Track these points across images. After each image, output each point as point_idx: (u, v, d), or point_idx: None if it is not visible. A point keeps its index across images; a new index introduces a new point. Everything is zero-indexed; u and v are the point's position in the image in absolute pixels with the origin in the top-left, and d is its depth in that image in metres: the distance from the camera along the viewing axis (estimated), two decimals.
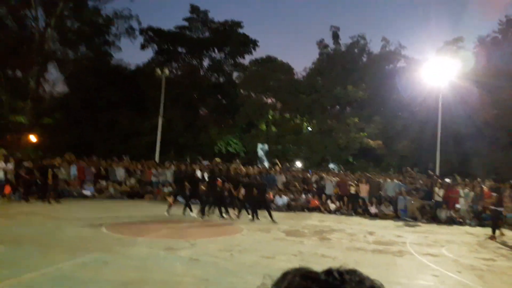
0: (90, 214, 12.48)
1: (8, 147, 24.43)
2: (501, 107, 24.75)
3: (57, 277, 5.95)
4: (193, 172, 14.36)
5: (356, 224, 14.02)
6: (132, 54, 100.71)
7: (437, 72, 22.27)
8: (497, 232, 12.15)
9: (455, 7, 69.45)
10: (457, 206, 15.08)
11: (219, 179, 13.35)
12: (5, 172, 15.34)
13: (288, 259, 7.84)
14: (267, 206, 13.54)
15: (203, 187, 13.86)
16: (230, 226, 11.95)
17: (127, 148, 26.74)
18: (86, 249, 7.72)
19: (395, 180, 17.28)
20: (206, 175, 13.88)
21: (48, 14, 30.63)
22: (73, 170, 17.06)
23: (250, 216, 13.26)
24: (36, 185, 15.59)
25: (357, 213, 16.68)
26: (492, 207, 12.44)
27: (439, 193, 14.62)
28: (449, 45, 28.28)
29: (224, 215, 13.24)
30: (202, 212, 13.07)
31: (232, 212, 13.84)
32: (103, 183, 18.19)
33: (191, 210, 13.43)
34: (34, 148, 26.89)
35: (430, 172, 18.82)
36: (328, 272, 0.72)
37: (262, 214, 13.25)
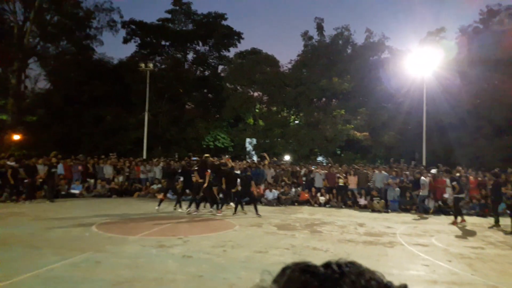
0: (79, 213, 12.32)
1: None
2: (483, 96, 25.19)
3: (49, 278, 5.87)
4: (189, 167, 14.27)
5: (346, 216, 14.16)
6: (114, 48, 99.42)
7: (421, 63, 22.52)
8: (459, 218, 12.78)
9: None
10: (445, 196, 15.33)
11: (208, 170, 13.30)
12: None
13: (281, 253, 7.89)
14: (253, 199, 13.62)
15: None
16: (222, 222, 11.94)
17: (113, 144, 26.47)
18: (77, 249, 7.63)
19: (383, 172, 17.47)
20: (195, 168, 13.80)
21: (26, 8, 29.91)
22: (60, 168, 16.79)
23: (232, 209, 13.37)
24: (22, 185, 15.35)
25: (346, 205, 16.84)
26: (455, 195, 13.03)
27: (425, 183, 14.83)
28: (432, 35, 28.58)
29: (216, 209, 13.23)
30: (190, 207, 13.04)
31: (226, 207, 13.85)
32: (91, 181, 17.97)
33: (180, 207, 13.40)
34: (18, 146, 26.36)
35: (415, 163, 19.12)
36: (327, 265, 0.73)
37: (249, 208, 13.38)
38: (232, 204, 13.97)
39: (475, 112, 24.84)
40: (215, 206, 13.25)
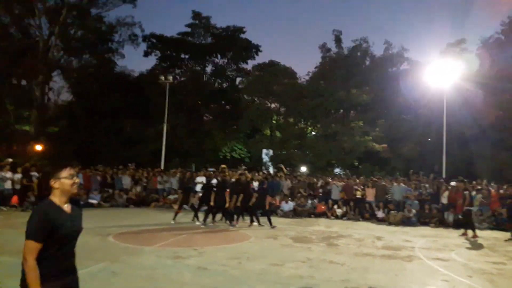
0: (96, 223, 12.45)
1: (14, 156, 24.55)
2: (505, 108, 24.67)
3: None
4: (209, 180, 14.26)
5: (364, 229, 13.94)
6: (135, 61, 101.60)
7: (441, 74, 22.23)
8: (470, 232, 12.53)
9: (457, 9, 69.48)
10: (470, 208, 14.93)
11: (227, 190, 13.31)
12: (12, 182, 15.39)
13: (297, 266, 7.80)
14: (266, 212, 13.59)
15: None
16: (238, 233, 11.91)
17: (132, 155, 26.84)
18: (93, 259, 7.69)
19: (402, 184, 17.17)
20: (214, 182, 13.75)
21: (51, 22, 30.90)
22: (79, 178, 17.08)
23: (255, 223, 13.28)
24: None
25: (364, 218, 16.58)
26: (465, 208, 12.79)
27: (445, 196, 14.50)
28: (452, 47, 28.27)
29: (232, 222, 13.20)
30: (205, 219, 13.03)
31: (242, 221, 13.79)
32: (110, 191, 18.21)
33: (198, 219, 13.40)
34: (40, 157, 26.98)
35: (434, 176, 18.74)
36: None
37: (263, 220, 13.33)
38: (246, 218, 13.88)
39: (498, 124, 24.32)
40: (230, 219, 13.23)
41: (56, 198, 2.70)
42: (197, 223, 13.32)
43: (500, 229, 14.27)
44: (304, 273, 7.23)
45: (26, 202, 15.28)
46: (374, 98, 27.51)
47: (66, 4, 30.50)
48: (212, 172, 15.95)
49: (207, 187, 13.69)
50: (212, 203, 13.14)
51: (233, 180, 14.02)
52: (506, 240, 12.05)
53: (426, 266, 8.27)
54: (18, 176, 15.64)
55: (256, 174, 19.16)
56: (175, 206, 14.53)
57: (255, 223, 13.29)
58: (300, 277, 6.92)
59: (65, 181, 2.69)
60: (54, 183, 2.68)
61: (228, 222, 13.17)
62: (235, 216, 13.39)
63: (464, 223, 12.93)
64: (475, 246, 11.08)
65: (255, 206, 13.50)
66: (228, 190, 13.24)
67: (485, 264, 8.58)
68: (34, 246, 2.53)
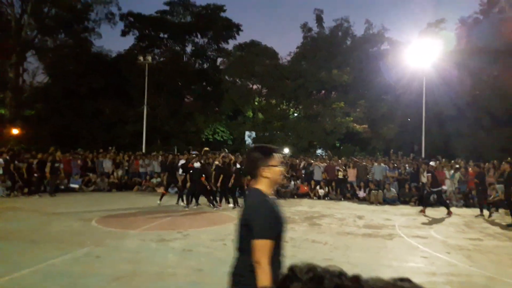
0: (79, 208, 12.34)
1: None
2: (482, 88, 25.14)
3: (49, 273, 5.90)
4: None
5: (345, 208, 14.20)
6: (113, 40, 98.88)
7: (421, 54, 22.42)
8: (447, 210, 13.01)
9: None
10: (444, 188, 15.35)
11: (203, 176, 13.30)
12: None
13: None
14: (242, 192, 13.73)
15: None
16: (221, 215, 11.97)
17: (112, 138, 26.42)
18: (77, 243, 7.66)
19: (382, 164, 17.47)
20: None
21: (24, 0, 29.66)
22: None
23: (231, 204, 13.33)
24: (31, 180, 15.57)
25: (345, 198, 16.87)
26: (427, 188, 13.39)
27: (424, 175, 14.82)
28: (431, 27, 28.45)
29: (214, 204, 13.24)
30: (187, 202, 13.02)
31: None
32: (91, 175, 17.97)
33: (183, 201, 13.37)
34: (17, 140, 26.31)
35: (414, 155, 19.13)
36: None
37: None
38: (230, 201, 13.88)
39: (474, 103, 24.81)
40: (212, 202, 13.24)
41: (265, 188, 2.35)
42: (181, 204, 13.33)
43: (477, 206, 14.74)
44: (288, 252, 7.24)
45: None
46: (354, 79, 27.60)
47: None
48: (194, 155, 15.85)
49: (185, 169, 13.62)
50: (189, 186, 13.14)
51: (216, 163, 13.98)
52: (476, 216, 12.57)
53: (406, 244, 8.51)
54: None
55: (239, 156, 19.16)
56: (159, 190, 14.48)
57: (231, 205, 13.36)
58: (284, 257, 7.02)
59: (276, 169, 2.37)
60: (264, 171, 2.33)
61: (211, 205, 13.19)
62: (218, 199, 13.45)
63: (424, 202, 13.65)
64: (453, 223, 11.44)
65: (234, 186, 13.54)
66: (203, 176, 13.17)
67: (463, 241, 8.88)
68: (269, 246, 2.19)
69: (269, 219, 2.23)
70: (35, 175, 15.59)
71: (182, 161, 14.35)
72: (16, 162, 15.73)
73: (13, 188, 15.05)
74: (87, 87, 28.66)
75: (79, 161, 17.97)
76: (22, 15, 29.77)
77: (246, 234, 2.22)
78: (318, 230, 9.75)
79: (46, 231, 8.85)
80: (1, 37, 27.90)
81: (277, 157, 2.38)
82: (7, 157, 15.56)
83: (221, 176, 13.24)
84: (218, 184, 13.29)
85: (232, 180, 13.39)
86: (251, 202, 2.35)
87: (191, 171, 13.14)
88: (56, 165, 15.63)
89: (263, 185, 2.34)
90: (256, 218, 2.21)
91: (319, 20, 30.52)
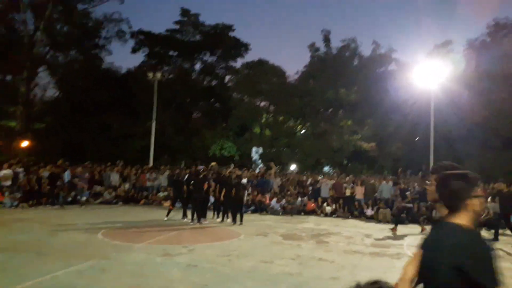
0: (85, 220, 12.32)
1: None
2: (491, 109, 25.06)
3: (53, 286, 5.86)
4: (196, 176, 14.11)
5: (353, 226, 14.03)
6: (123, 57, 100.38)
7: (428, 75, 22.45)
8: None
9: (444, 10, 70.32)
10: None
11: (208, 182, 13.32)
12: None
13: (286, 263, 7.81)
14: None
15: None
16: (227, 230, 11.88)
17: (120, 152, 26.56)
18: (82, 256, 7.61)
19: (391, 182, 17.32)
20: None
21: (37, 18, 30.32)
22: (67, 175, 16.88)
23: (229, 219, 13.25)
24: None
25: (353, 216, 16.69)
26: (403, 204, 13.66)
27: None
28: (439, 48, 28.61)
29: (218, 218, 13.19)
30: (192, 217, 12.93)
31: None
32: (98, 188, 18.02)
33: (186, 216, 13.31)
34: (26, 153, 26.54)
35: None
36: None
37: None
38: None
39: (483, 124, 24.70)
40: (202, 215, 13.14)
41: (468, 222, 2.03)
42: (185, 220, 13.24)
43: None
44: (294, 270, 7.25)
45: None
46: (362, 98, 27.70)
47: None
48: (201, 169, 15.83)
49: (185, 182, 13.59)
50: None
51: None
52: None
53: None
54: (5, 172, 15.40)
55: (246, 171, 19.14)
56: (165, 204, 14.42)
57: (229, 220, 13.26)
58: (290, 274, 6.93)
59: (481, 201, 2.09)
60: (470, 204, 2.04)
61: (186, 217, 13.10)
62: (220, 213, 13.46)
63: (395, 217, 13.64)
64: None
65: (234, 200, 13.41)
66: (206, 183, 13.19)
67: None
68: None
69: (490, 265, 1.93)
70: (48, 187, 15.81)
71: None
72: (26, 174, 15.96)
73: (27, 199, 15.22)
74: (96, 102, 29.01)
75: (86, 174, 18.06)
76: (35, 32, 30.41)
77: (454, 279, 1.89)
78: (325, 248, 9.62)
79: (52, 243, 8.83)
80: (14, 53, 28.45)
81: (479, 188, 2.13)
82: (19, 169, 15.78)
83: (223, 190, 13.21)
84: (222, 198, 13.29)
85: (233, 193, 13.26)
86: (462, 241, 1.96)
87: (192, 183, 13.13)
88: (75, 179, 15.93)
89: (465, 219, 2.02)
90: (475, 263, 1.88)
91: (327, 40, 30.88)
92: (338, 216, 16.61)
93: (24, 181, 15.53)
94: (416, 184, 17.35)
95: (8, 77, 31.19)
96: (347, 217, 16.49)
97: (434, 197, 2.21)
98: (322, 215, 16.80)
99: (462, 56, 27.65)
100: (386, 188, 16.89)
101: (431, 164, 21.54)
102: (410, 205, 13.38)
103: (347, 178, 18.65)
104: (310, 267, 7.56)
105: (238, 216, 13.12)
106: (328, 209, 17.01)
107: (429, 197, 2.50)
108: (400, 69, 28.32)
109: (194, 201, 12.94)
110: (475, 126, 24.29)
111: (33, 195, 15.55)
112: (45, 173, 16.46)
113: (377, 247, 10.04)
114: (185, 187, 13.24)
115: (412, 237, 12.05)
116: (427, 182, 2.62)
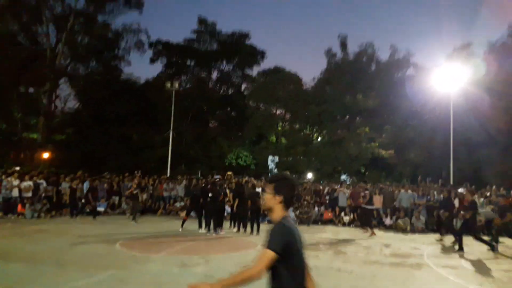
0: (103, 231, 12.48)
1: (21, 164, 24.70)
2: None
3: None
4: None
5: (371, 236, 13.80)
6: (141, 68, 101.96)
7: (447, 79, 22.10)
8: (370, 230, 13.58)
9: (463, 12, 69.27)
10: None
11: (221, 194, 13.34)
12: (19, 190, 15.49)
13: None
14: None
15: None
16: (244, 241, 11.85)
17: (138, 163, 26.87)
18: (101, 266, 7.70)
19: (409, 191, 17.00)
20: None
21: (59, 30, 31.14)
22: (86, 186, 17.17)
23: (242, 229, 13.24)
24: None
25: (370, 227, 16.35)
26: (363, 205, 13.99)
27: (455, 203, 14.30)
28: (458, 51, 28.14)
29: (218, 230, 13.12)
30: (209, 228, 12.92)
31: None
32: (116, 199, 18.24)
33: (200, 227, 13.27)
34: (47, 164, 27.13)
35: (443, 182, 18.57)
36: None
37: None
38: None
39: (505, 129, 24.09)
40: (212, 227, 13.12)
41: None
42: (200, 231, 13.18)
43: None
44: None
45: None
46: (380, 104, 27.40)
47: (73, 11, 30.80)
48: (217, 179, 15.87)
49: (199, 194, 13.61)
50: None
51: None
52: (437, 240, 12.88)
53: (435, 274, 8.16)
54: (26, 184, 15.75)
55: (261, 181, 19.09)
56: (182, 214, 14.47)
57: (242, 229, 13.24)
58: None
59: None
60: None
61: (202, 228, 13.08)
62: (237, 223, 13.42)
63: (364, 221, 14.11)
64: (485, 253, 10.92)
65: (251, 210, 13.36)
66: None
67: (496, 272, 8.45)
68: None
69: None
70: (68, 198, 16.26)
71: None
72: (46, 185, 16.26)
73: (50, 210, 15.63)
74: (115, 113, 29.50)
75: (105, 185, 18.31)
76: (57, 44, 31.22)
77: None
78: (344, 259, 9.49)
79: (70, 254, 8.96)
80: (36, 65, 29.24)
81: None
82: (39, 181, 16.13)
83: (237, 200, 13.18)
84: (235, 208, 13.27)
85: (249, 203, 13.21)
86: None
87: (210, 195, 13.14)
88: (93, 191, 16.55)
89: None
90: None
91: (344, 45, 30.73)
92: (356, 226, 16.37)
93: (51, 191, 15.98)
94: (435, 192, 16.97)
95: (31, 89, 32.03)
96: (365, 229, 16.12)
97: None
98: (339, 224, 16.59)
99: (482, 59, 27.14)
100: (405, 197, 16.58)
101: (451, 171, 21.14)
102: (372, 206, 14.01)
103: (365, 186, 18.31)
104: (329, 278, 7.45)
105: (255, 226, 13.08)
106: (346, 218, 16.78)
107: None
108: (419, 74, 27.97)
109: (210, 211, 12.94)
110: (496, 132, 23.72)
111: (54, 206, 15.88)
112: (65, 184, 16.77)
113: (396, 257, 9.86)
114: (201, 199, 13.27)
115: (433, 246, 11.79)
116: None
